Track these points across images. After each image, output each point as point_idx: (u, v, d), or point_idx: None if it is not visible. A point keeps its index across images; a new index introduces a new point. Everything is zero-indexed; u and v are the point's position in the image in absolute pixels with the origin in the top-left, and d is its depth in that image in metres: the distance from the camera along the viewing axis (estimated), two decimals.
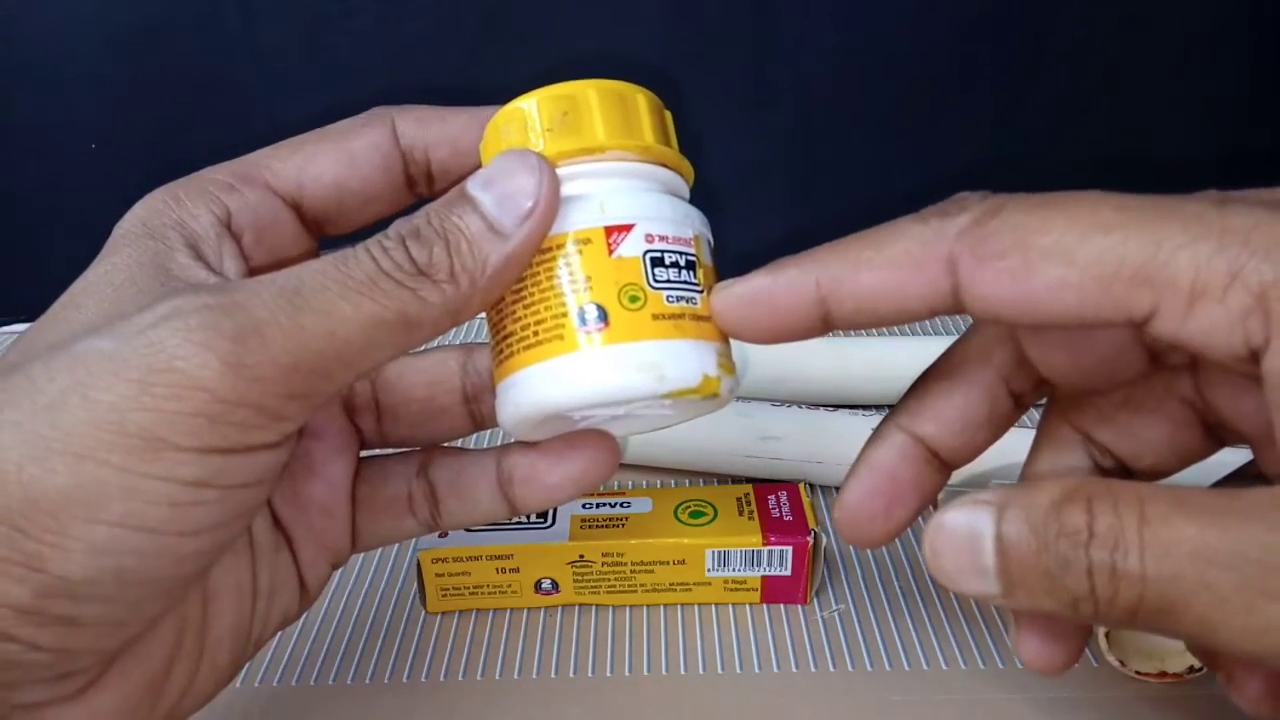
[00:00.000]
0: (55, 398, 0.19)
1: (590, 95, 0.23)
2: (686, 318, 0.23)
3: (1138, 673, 0.30)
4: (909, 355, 0.45)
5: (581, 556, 0.33)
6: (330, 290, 0.20)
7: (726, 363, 0.23)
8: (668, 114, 0.25)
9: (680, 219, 0.24)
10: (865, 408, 0.45)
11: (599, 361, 0.22)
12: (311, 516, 0.26)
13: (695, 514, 0.34)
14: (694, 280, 0.23)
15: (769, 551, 0.33)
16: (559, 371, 0.22)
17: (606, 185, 0.23)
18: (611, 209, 0.23)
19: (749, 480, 0.39)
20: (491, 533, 0.33)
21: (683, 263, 0.23)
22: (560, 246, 0.22)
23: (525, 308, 0.23)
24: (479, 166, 0.24)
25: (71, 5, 0.54)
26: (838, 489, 0.26)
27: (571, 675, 0.31)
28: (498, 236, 0.21)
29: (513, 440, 0.26)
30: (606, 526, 0.33)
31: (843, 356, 0.46)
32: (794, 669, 0.31)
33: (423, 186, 0.26)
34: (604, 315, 0.22)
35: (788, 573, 0.33)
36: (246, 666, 0.32)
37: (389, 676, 0.31)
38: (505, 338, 0.23)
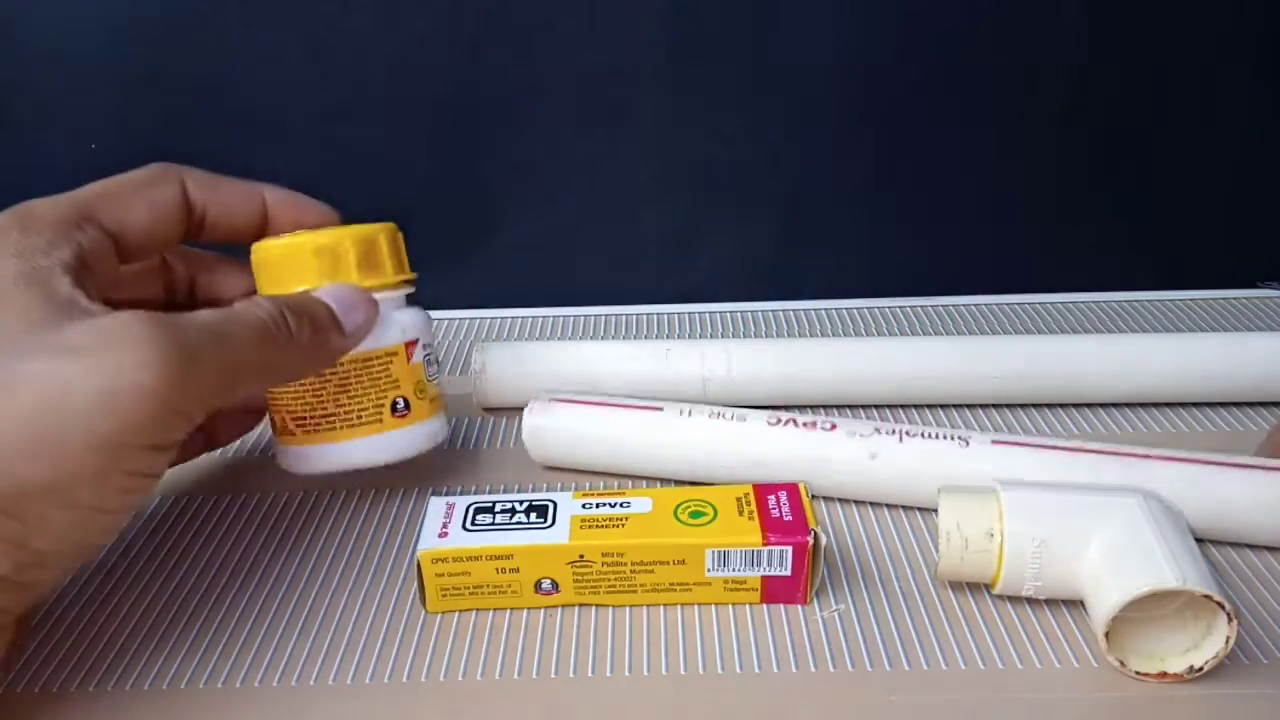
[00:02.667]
0: (32, 408, 0.25)
1: (381, 239, 0.36)
2: (440, 395, 0.39)
3: (1138, 673, 0.30)
4: (908, 355, 0.45)
5: (581, 556, 0.33)
6: (246, 343, 0.30)
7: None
8: (399, 235, 0.38)
9: (430, 326, 0.38)
10: (865, 408, 0.45)
11: (406, 436, 0.37)
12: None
13: (695, 514, 0.34)
14: (436, 366, 0.39)
15: (769, 551, 0.33)
16: (381, 443, 0.37)
17: (398, 311, 0.37)
18: (409, 329, 0.37)
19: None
20: (491, 533, 0.33)
21: (435, 358, 0.39)
22: (379, 357, 0.36)
23: (350, 398, 0.36)
24: (248, 236, 0.36)
25: (71, 5, 0.54)
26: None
27: (571, 675, 0.31)
28: (343, 339, 0.34)
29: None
30: (606, 526, 0.33)
31: (843, 356, 0.46)
32: (794, 669, 0.31)
33: (194, 233, 0.35)
34: (408, 405, 0.37)
35: (788, 573, 0.33)
36: (246, 666, 0.32)
37: (389, 676, 0.31)
38: (327, 416, 0.36)
